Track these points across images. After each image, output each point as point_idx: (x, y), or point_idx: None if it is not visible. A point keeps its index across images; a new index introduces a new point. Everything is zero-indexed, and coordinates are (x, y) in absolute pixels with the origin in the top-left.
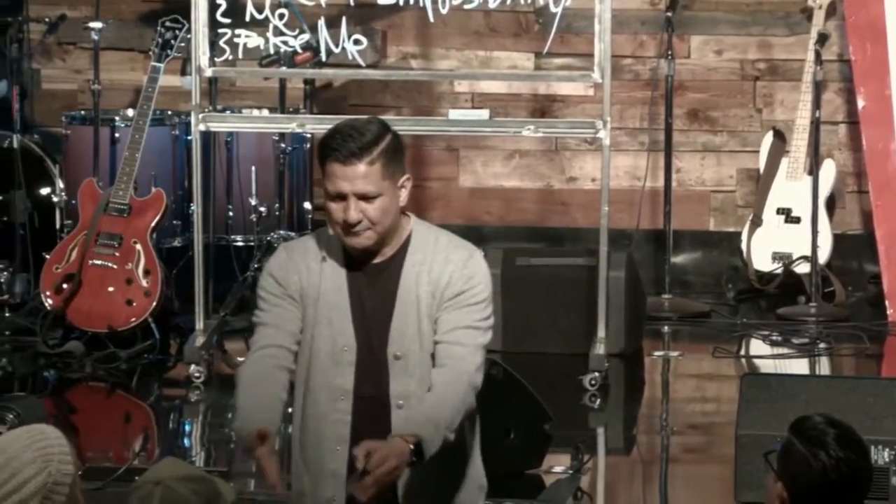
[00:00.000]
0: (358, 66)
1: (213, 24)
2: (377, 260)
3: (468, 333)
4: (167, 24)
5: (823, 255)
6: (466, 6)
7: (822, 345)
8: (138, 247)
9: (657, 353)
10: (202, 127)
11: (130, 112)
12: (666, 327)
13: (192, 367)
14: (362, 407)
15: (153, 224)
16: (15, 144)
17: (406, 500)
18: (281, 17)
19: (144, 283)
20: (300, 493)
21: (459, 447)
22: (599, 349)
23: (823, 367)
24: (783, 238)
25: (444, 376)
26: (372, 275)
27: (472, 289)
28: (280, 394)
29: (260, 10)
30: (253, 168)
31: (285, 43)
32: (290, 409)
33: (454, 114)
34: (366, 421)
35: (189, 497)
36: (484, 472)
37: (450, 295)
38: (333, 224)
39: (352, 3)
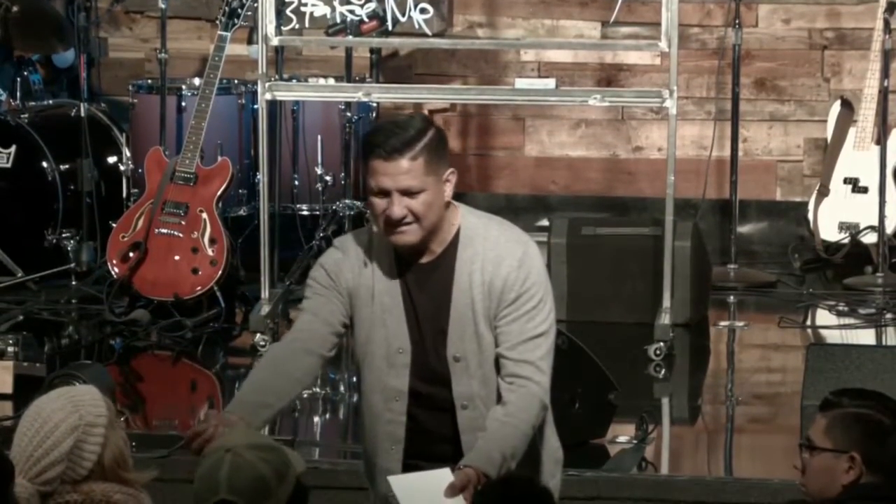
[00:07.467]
0: (424, 35)
1: None
2: (427, 259)
3: (532, 346)
4: None
5: (891, 225)
6: None
7: (888, 315)
8: (204, 215)
9: (723, 323)
10: (268, 96)
11: (197, 81)
12: (732, 297)
13: (258, 335)
14: (424, 407)
15: (219, 193)
16: (82, 113)
17: None
18: None
19: (210, 251)
20: (369, 480)
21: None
22: (665, 319)
23: (890, 337)
24: (850, 208)
25: (517, 401)
26: (423, 275)
27: (527, 291)
28: (291, 381)
29: None
30: (319, 137)
31: (352, 12)
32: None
33: (520, 83)
34: (427, 421)
35: (258, 465)
36: (559, 445)
37: (507, 301)
38: (378, 221)
39: None
